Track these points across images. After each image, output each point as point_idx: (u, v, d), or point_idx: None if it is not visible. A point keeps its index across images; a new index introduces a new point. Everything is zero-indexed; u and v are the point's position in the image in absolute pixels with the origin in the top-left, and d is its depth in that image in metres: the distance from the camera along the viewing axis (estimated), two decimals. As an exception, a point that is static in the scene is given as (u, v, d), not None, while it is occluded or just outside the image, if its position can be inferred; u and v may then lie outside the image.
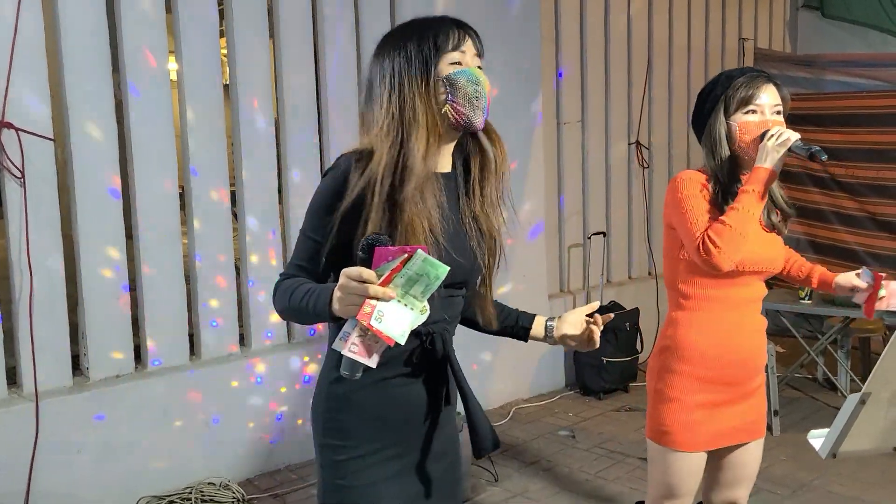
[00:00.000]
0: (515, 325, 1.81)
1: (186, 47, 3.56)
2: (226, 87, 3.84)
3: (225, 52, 3.83)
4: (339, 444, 1.55)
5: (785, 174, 6.97)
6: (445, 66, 1.54)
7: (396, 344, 1.28)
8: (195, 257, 3.66)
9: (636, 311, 5.03)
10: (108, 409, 3.35)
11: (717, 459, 2.16)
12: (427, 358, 1.55)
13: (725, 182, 2.01)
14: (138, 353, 3.56)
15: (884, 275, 2.14)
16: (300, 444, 3.88)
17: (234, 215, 3.88)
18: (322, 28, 4.00)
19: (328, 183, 1.51)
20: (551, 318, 1.79)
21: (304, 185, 3.94)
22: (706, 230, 1.93)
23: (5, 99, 3.07)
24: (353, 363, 1.31)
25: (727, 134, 2.01)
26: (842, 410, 1.15)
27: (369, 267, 1.28)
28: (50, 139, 3.21)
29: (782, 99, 2.03)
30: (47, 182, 3.22)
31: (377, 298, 1.26)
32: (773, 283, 6.22)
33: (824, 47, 6.39)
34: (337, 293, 1.31)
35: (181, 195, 3.67)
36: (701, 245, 1.91)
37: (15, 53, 3.07)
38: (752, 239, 1.95)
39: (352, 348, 1.29)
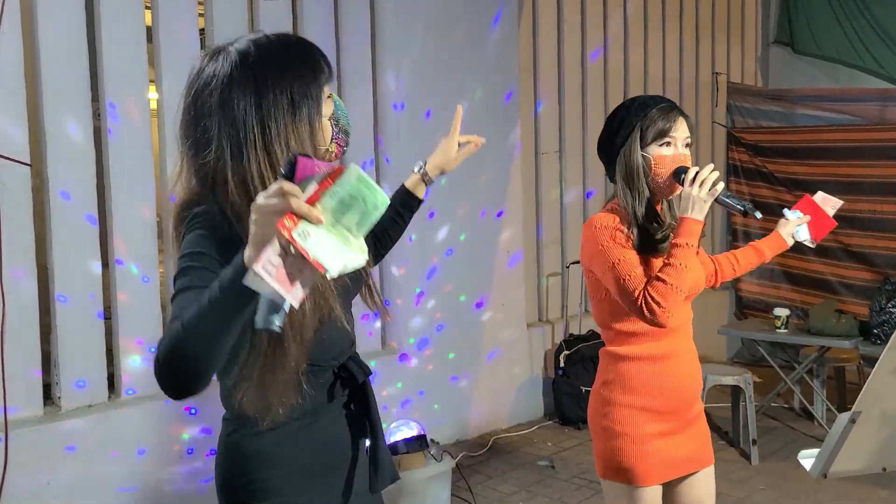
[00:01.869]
0: (399, 205, 1.80)
1: (167, 75, 3.55)
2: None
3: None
4: (260, 499, 1.41)
5: (759, 206, 7.11)
6: (328, 103, 1.40)
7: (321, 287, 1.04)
8: (171, 283, 3.60)
9: (615, 341, 5.04)
10: (80, 439, 3.26)
11: (670, 495, 2.08)
12: (344, 389, 1.46)
13: (642, 221, 1.97)
14: (112, 382, 3.49)
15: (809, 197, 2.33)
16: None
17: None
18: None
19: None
20: (419, 166, 1.81)
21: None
22: (645, 289, 1.87)
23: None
24: (271, 302, 1.01)
25: (644, 166, 1.96)
26: (832, 430, 1.15)
27: None
28: (27, 164, 3.17)
29: (690, 131, 2.01)
30: (22, 207, 3.17)
31: (301, 216, 1.00)
32: (749, 313, 6.30)
33: (795, 82, 6.55)
34: (253, 217, 1.03)
35: (159, 223, 3.63)
36: (644, 306, 1.86)
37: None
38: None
39: (267, 268, 0.97)
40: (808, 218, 2.31)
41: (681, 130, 1.97)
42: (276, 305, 1.01)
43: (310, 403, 1.40)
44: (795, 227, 2.31)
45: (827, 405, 4.72)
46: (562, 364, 4.87)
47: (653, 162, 1.95)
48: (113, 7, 3.37)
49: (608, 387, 2.02)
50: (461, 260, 4.59)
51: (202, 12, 3.74)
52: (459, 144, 1.87)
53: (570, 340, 4.98)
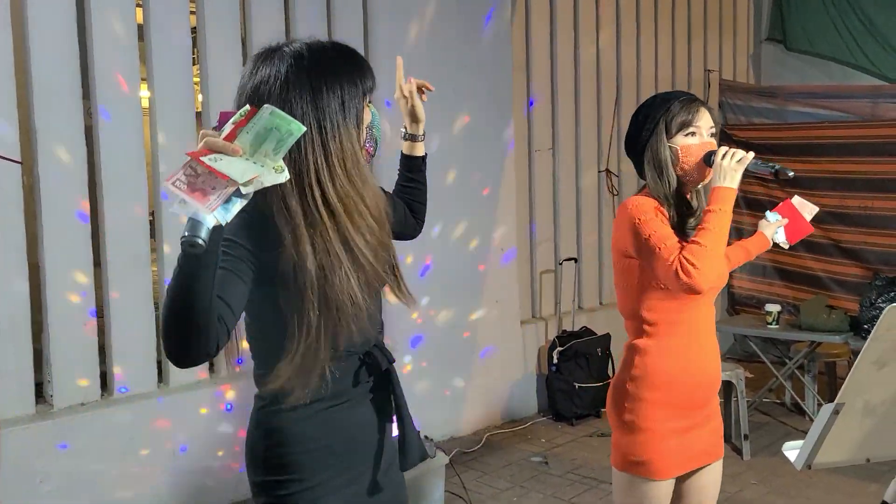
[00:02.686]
0: (407, 170, 1.88)
1: (158, 73, 3.55)
2: (198, 113, 3.83)
3: (198, 79, 3.82)
4: (283, 479, 1.48)
5: (750, 202, 7.07)
6: (367, 110, 1.50)
7: (238, 192, 1.13)
8: (165, 283, 3.61)
9: (607, 337, 5.06)
10: (73, 437, 3.26)
11: (679, 485, 2.11)
12: (369, 375, 1.53)
13: (677, 205, 2.02)
14: (104, 381, 3.49)
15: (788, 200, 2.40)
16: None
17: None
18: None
19: None
20: (401, 132, 1.88)
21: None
22: (680, 253, 1.89)
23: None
24: (192, 220, 1.11)
25: (672, 157, 2.01)
26: (816, 421, 1.16)
27: None
28: (18, 162, 3.16)
29: (714, 122, 2.06)
30: (13, 205, 3.17)
31: (218, 151, 1.13)
32: (740, 309, 6.33)
33: (787, 79, 6.58)
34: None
35: (152, 221, 3.63)
36: (680, 268, 1.87)
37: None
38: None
39: (177, 184, 1.09)
40: (786, 221, 2.40)
41: (704, 120, 2.02)
42: (196, 222, 1.11)
43: (334, 387, 1.47)
44: (775, 228, 2.40)
45: (818, 400, 4.74)
46: (555, 360, 4.89)
47: (680, 152, 2.00)
48: (104, 5, 3.37)
49: (634, 382, 2.03)
50: (455, 257, 4.60)
51: (194, 10, 3.74)
52: (412, 94, 1.88)
53: (564, 337, 5.00)
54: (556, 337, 5.02)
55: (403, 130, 1.90)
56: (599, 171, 5.67)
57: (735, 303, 6.46)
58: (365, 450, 1.54)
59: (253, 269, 1.35)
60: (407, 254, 4.40)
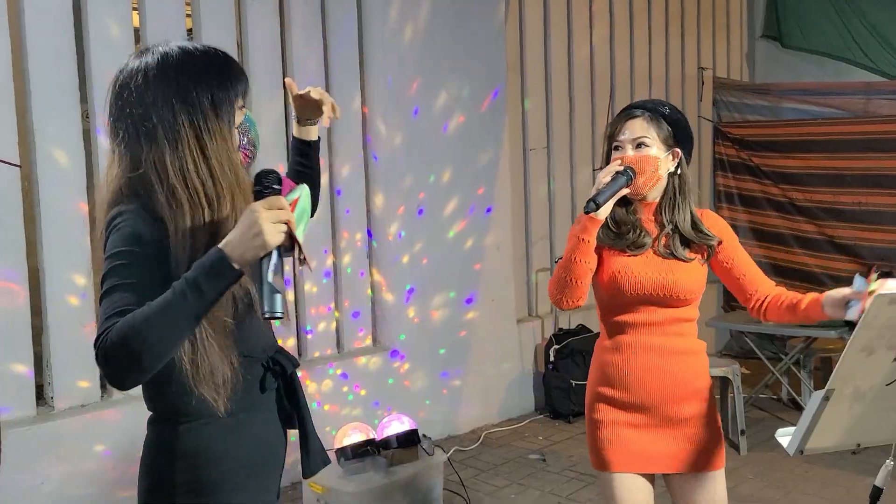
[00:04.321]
0: (299, 155, 1.80)
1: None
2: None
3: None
4: (201, 497, 1.44)
5: (746, 199, 7.07)
6: (240, 113, 1.50)
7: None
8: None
9: (604, 334, 5.09)
10: (73, 438, 3.28)
11: (677, 494, 2.12)
12: (275, 381, 1.53)
13: (609, 220, 2.05)
14: (104, 383, 3.50)
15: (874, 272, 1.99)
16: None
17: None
18: (290, 60, 4.04)
19: None
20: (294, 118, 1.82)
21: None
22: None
23: None
24: (272, 292, 1.27)
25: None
26: (807, 408, 1.19)
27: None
28: (17, 165, 3.18)
29: (652, 128, 2.02)
30: (12, 209, 3.19)
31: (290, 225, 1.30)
32: (736, 305, 6.35)
33: (781, 76, 6.61)
34: (256, 220, 1.27)
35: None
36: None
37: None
38: (635, 267, 2.02)
39: (277, 282, 1.27)
40: (862, 293, 1.90)
41: (628, 133, 2.04)
42: (275, 293, 1.26)
43: (244, 397, 1.45)
44: (846, 298, 1.94)
45: (814, 395, 4.76)
46: (552, 358, 4.91)
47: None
48: (100, 8, 3.39)
49: (591, 377, 2.15)
50: (451, 256, 4.62)
51: (189, 13, 3.76)
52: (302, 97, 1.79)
53: (560, 335, 5.02)
54: (553, 335, 5.04)
55: (294, 116, 1.83)
56: (594, 170, 5.69)
57: (731, 299, 6.49)
58: (275, 461, 1.55)
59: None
60: (403, 253, 4.42)
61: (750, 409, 4.78)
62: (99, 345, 1.26)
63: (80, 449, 3.28)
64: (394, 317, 4.44)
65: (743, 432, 4.28)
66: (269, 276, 1.27)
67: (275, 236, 1.27)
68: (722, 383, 4.46)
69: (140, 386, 1.44)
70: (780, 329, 4.73)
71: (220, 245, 1.29)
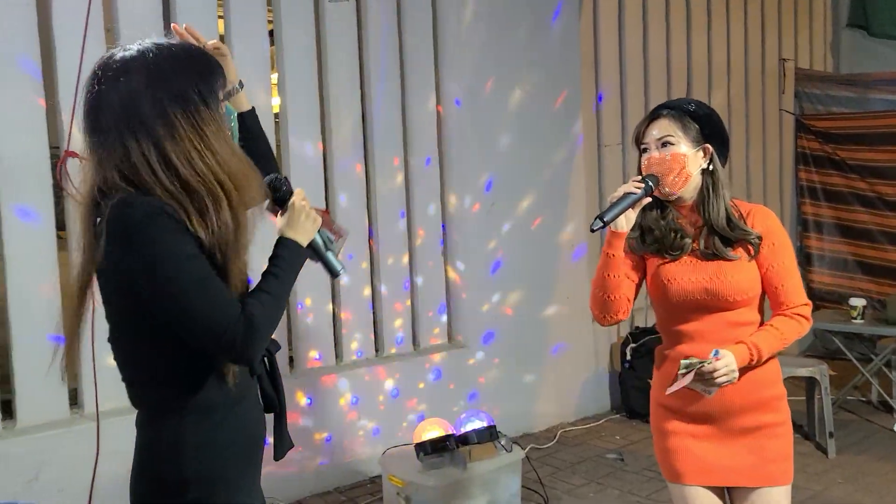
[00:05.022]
0: (242, 130, 1.80)
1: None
2: (275, 115, 3.95)
3: (276, 82, 3.95)
4: (211, 489, 1.48)
5: (830, 194, 6.89)
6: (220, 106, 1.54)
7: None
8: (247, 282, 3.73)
9: (682, 333, 4.98)
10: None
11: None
12: (261, 369, 1.59)
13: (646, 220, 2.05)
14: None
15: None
16: (349, 466, 3.90)
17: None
18: (367, 59, 4.10)
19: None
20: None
21: (351, 209, 4.02)
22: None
23: (70, 129, 3.20)
24: (332, 259, 1.66)
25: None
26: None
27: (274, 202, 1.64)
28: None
29: (675, 126, 1.97)
30: (108, 208, 3.33)
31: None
32: (821, 304, 6.12)
33: (867, 66, 6.34)
34: (301, 210, 1.58)
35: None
36: None
37: (80, 84, 3.19)
38: (678, 272, 1.97)
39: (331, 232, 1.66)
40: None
41: (651, 134, 2.00)
42: (335, 256, 1.68)
43: (241, 382, 1.50)
44: None
45: (907, 398, 4.57)
46: (628, 357, 4.84)
47: (641, 167, 2.03)
48: (187, 15, 3.51)
49: (652, 384, 2.13)
50: (525, 254, 4.61)
51: (272, 19, 3.86)
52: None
53: (637, 333, 4.95)
54: (629, 333, 4.98)
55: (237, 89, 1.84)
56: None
57: (815, 298, 6.27)
58: (260, 444, 1.60)
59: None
60: (477, 251, 4.44)
61: (837, 412, 4.61)
62: (234, 331, 1.37)
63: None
64: (469, 314, 4.45)
65: (831, 434, 4.13)
66: (332, 246, 1.65)
67: (318, 218, 1.61)
68: (808, 384, 4.32)
69: (130, 390, 1.54)
70: (871, 329, 4.54)
71: (283, 235, 1.56)
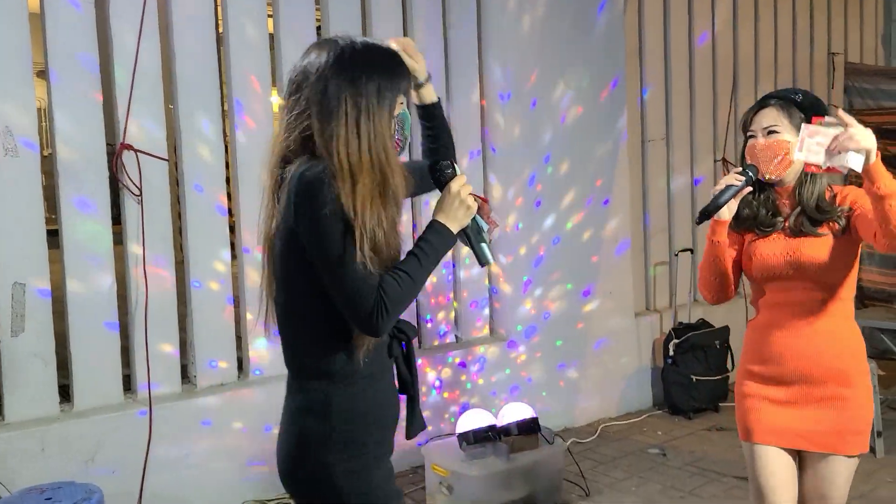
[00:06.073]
0: (424, 118, 1.92)
1: (288, 73, 3.74)
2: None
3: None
4: (351, 455, 1.61)
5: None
6: (399, 106, 1.67)
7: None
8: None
9: (726, 329, 4.93)
10: (214, 415, 3.50)
11: (801, 470, 2.20)
12: (400, 347, 1.71)
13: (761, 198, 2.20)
14: (241, 364, 3.72)
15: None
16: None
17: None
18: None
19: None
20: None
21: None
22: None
23: (126, 122, 3.31)
24: (484, 246, 1.68)
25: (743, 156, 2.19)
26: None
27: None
28: (165, 159, 3.43)
29: (784, 115, 2.09)
30: (162, 200, 3.44)
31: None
32: (870, 303, 6.00)
33: (921, 59, 6.19)
34: (465, 194, 1.64)
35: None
36: None
37: (135, 79, 3.30)
38: (763, 247, 2.13)
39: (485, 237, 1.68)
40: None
41: (757, 122, 2.13)
42: (487, 246, 1.69)
43: (376, 360, 1.64)
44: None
45: (960, 398, 4.46)
46: (671, 353, 4.81)
47: (746, 152, 2.17)
48: (238, 13, 3.60)
49: (741, 352, 2.30)
50: (568, 248, 4.61)
51: (319, 17, 3.93)
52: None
53: (680, 329, 4.91)
54: (672, 329, 4.94)
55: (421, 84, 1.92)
56: (715, 161, 5.53)
57: (864, 297, 6.13)
58: (394, 419, 1.71)
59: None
60: (520, 245, 4.45)
61: (886, 412, 4.53)
62: (368, 303, 1.52)
63: (219, 424, 3.50)
64: (511, 307, 4.47)
65: (879, 434, 4.05)
66: (485, 235, 1.67)
67: (474, 205, 1.64)
68: (856, 382, 4.24)
69: (287, 359, 1.68)
70: (922, 327, 4.44)
71: (436, 219, 1.64)
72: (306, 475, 1.64)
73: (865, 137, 1.87)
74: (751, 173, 2.08)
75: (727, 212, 2.09)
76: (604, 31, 4.67)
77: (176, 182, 3.72)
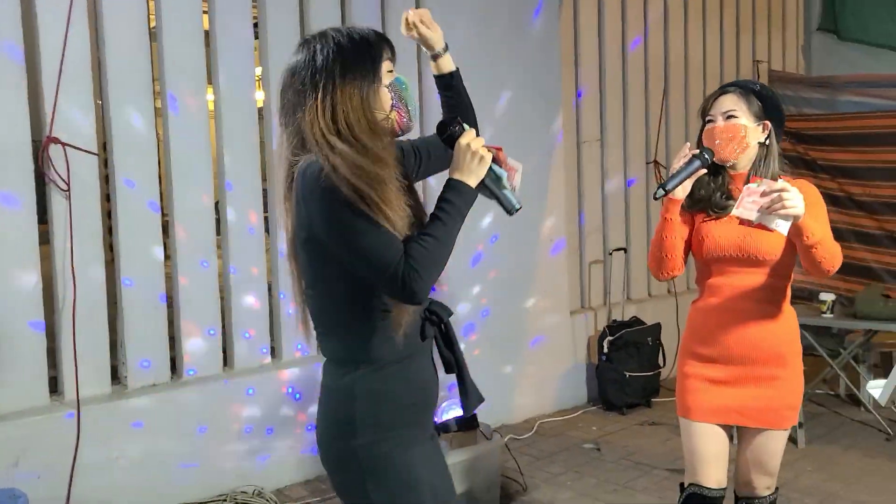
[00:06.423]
0: (443, 89, 1.95)
1: (223, 69, 3.69)
2: (259, 109, 3.97)
3: (259, 76, 3.96)
4: (379, 438, 1.62)
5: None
6: (388, 76, 1.69)
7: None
8: (230, 270, 3.75)
9: (658, 326, 5.07)
10: (146, 416, 3.41)
11: (739, 443, 2.33)
12: (433, 329, 1.71)
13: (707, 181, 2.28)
14: (174, 364, 3.63)
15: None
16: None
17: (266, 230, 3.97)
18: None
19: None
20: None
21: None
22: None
23: (53, 115, 3.20)
24: (506, 194, 1.66)
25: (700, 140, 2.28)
26: None
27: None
28: (94, 153, 3.32)
29: (747, 102, 2.20)
30: (91, 195, 3.33)
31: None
32: (792, 301, 6.25)
33: (838, 69, 6.49)
34: (477, 147, 1.62)
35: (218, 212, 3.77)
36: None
37: (63, 70, 3.20)
38: (714, 229, 2.22)
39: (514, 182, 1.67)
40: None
41: (717, 107, 2.23)
42: (511, 193, 1.68)
43: (408, 343, 1.64)
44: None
45: (874, 390, 4.69)
46: (605, 350, 4.92)
47: (703, 136, 2.28)
48: (173, 11, 3.52)
49: (683, 332, 2.39)
50: (505, 247, 4.66)
51: (256, 14, 3.87)
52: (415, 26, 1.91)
53: (614, 326, 5.03)
54: (607, 326, 5.05)
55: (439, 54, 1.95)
56: (647, 163, 5.68)
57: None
58: (432, 401, 1.73)
59: None
60: (458, 243, 4.47)
61: (807, 404, 4.72)
62: (396, 269, 1.52)
63: (151, 426, 3.41)
64: (449, 306, 4.48)
65: (801, 425, 4.23)
66: (506, 182, 1.66)
67: (488, 157, 1.63)
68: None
69: (320, 344, 1.71)
70: (839, 322, 4.66)
71: (452, 177, 1.62)
72: (336, 455, 1.66)
73: (794, 206, 1.97)
74: (707, 155, 2.16)
75: (681, 191, 2.17)
76: (539, 34, 4.75)
77: (106, 178, 3.61)
